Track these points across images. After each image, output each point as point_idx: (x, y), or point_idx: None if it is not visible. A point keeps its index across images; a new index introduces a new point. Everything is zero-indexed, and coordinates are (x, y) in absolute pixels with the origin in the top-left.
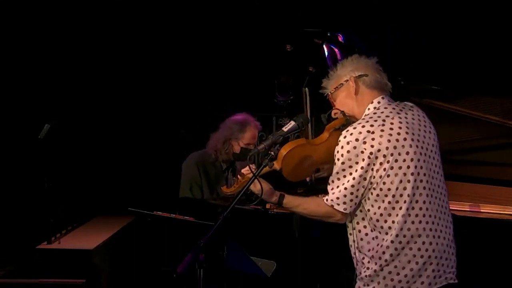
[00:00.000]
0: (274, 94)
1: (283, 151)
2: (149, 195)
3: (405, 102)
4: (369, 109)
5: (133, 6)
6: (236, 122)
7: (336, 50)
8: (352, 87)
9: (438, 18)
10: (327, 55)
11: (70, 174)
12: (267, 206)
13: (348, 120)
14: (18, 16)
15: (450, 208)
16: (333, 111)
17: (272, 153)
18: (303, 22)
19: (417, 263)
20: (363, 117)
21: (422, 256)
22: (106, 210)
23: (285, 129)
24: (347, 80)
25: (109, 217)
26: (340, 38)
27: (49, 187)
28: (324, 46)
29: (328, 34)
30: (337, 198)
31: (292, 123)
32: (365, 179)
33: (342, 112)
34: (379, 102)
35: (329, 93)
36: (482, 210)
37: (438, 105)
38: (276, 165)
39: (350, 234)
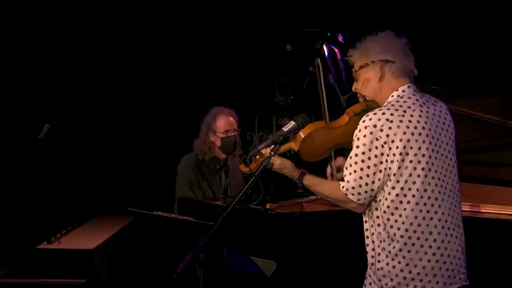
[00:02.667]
0: (274, 94)
1: (302, 134)
2: (149, 195)
3: (429, 95)
4: (392, 96)
5: (134, 6)
6: (208, 115)
7: (336, 50)
8: (377, 72)
9: (438, 18)
10: (327, 55)
11: (70, 174)
12: (267, 206)
13: (369, 106)
14: (18, 16)
15: None
16: (353, 87)
17: (272, 152)
18: (303, 22)
19: (429, 260)
20: (385, 103)
21: (434, 254)
22: (106, 210)
23: (285, 129)
24: (373, 62)
25: (109, 217)
26: (340, 38)
27: (49, 187)
28: (324, 46)
29: (328, 34)
30: (353, 187)
31: (292, 123)
32: (380, 171)
33: (363, 97)
34: (403, 91)
35: (353, 69)
36: (482, 210)
37: None
38: (294, 146)
39: (366, 222)
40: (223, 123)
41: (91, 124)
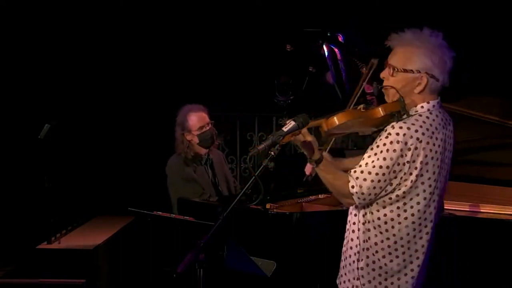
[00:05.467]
0: (274, 94)
1: (337, 120)
2: (149, 195)
3: (444, 112)
4: (422, 107)
5: (134, 6)
6: (179, 116)
7: (336, 50)
8: (418, 83)
9: (437, 18)
10: (327, 55)
11: (70, 174)
12: (267, 206)
13: (404, 110)
14: (18, 16)
15: (450, 208)
16: (382, 75)
17: (272, 153)
18: (303, 22)
19: (404, 260)
20: (416, 113)
21: (411, 256)
22: (106, 210)
23: (285, 129)
24: (419, 72)
25: (109, 217)
26: (340, 38)
27: (49, 187)
28: (324, 46)
29: (328, 34)
30: (362, 193)
31: (292, 123)
32: (391, 184)
33: (402, 99)
34: (434, 106)
35: (392, 67)
36: (482, 210)
37: None
38: (325, 127)
39: (359, 222)
40: (196, 121)
41: (91, 124)
